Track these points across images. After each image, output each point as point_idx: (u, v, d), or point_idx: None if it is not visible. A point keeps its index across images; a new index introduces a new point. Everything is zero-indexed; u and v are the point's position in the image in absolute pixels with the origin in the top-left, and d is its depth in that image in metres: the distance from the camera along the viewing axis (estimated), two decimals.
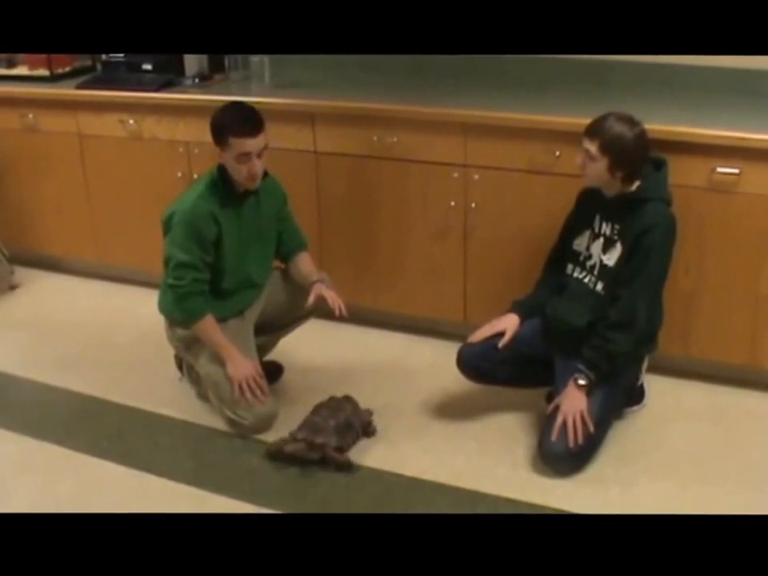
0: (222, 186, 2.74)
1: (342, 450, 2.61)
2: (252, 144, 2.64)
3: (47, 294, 3.92)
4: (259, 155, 2.67)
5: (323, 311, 2.89)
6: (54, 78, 3.83)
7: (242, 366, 2.75)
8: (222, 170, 2.74)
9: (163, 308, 2.89)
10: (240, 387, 2.73)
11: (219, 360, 2.78)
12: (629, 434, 2.73)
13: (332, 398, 2.76)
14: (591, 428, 2.52)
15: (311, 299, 2.81)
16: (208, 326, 2.76)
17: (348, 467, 2.58)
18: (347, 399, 2.76)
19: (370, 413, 2.77)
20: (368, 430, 2.75)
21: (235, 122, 2.66)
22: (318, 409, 2.70)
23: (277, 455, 2.63)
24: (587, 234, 2.70)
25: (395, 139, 3.13)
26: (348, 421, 2.66)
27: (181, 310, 2.78)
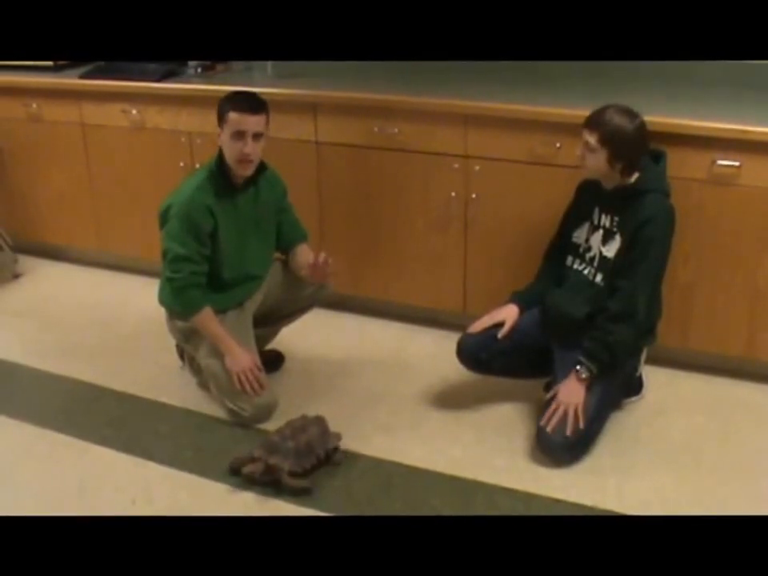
0: (220, 177, 2.75)
1: (295, 474, 2.45)
2: (249, 121, 2.66)
3: (50, 283, 3.94)
4: (255, 138, 2.68)
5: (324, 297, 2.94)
6: (57, 68, 3.83)
7: (240, 359, 2.76)
8: (220, 162, 2.75)
9: (162, 300, 2.90)
10: (239, 379, 2.75)
11: (218, 352, 2.80)
12: (627, 425, 2.74)
13: (302, 417, 2.61)
14: (582, 425, 2.52)
15: (307, 269, 2.81)
16: (206, 318, 2.78)
17: (305, 492, 2.43)
18: (317, 421, 2.59)
19: (338, 438, 2.61)
20: (332, 458, 2.56)
21: (238, 99, 2.71)
22: (283, 427, 2.56)
23: (237, 473, 2.51)
24: (586, 225, 2.70)
25: (396, 130, 3.13)
26: (309, 444, 2.50)
27: (178, 302, 2.79)
